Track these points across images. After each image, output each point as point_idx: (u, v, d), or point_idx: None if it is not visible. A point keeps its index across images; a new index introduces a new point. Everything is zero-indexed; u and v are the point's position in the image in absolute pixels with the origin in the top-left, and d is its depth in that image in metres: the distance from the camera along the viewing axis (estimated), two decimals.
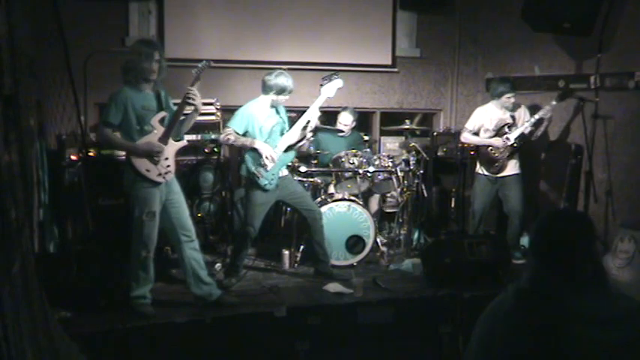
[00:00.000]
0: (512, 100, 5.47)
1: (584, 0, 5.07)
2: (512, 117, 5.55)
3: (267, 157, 4.65)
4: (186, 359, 4.05)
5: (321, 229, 5.01)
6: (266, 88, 4.73)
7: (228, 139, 4.69)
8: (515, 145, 5.44)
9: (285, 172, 4.93)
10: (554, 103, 5.37)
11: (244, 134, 4.72)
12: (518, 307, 1.89)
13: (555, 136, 5.85)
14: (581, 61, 5.54)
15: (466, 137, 5.66)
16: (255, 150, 4.68)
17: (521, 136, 5.44)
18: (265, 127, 4.74)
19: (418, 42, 6.99)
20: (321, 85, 4.93)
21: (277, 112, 4.85)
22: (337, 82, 4.91)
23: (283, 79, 4.68)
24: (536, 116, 5.39)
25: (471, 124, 5.64)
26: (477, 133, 5.62)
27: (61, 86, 5.03)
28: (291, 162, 5.16)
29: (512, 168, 5.52)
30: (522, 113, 5.60)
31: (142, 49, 4.01)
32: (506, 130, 5.46)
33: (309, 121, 4.87)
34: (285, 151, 4.81)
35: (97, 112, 5.92)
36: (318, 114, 4.90)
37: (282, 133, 4.83)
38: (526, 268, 2.03)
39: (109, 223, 5.02)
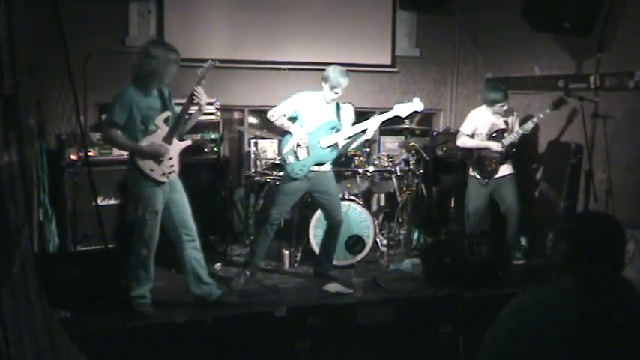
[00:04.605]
0: (505, 107, 5.42)
1: (584, 0, 5.08)
2: (506, 122, 5.49)
3: (298, 143, 4.64)
4: (186, 359, 4.05)
5: (337, 237, 4.98)
6: (323, 80, 4.67)
7: (278, 118, 4.70)
8: (508, 151, 5.39)
9: (327, 167, 4.86)
10: (547, 111, 5.26)
11: (292, 119, 4.73)
12: (573, 308, 1.91)
13: (555, 136, 5.85)
14: (581, 60, 5.53)
15: (463, 141, 5.56)
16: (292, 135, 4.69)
17: (513, 144, 5.39)
18: (313, 120, 4.71)
19: (418, 42, 6.99)
20: (396, 103, 4.84)
21: (338, 111, 4.81)
22: (415, 105, 4.79)
23: (336, 74, 4.60)
24: (529, 125, 5.30)
25: (467, 127, 5.55)
26: (471, 137, 5.58)
27: (61, 86, 5.04)
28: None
29: (505, 169, 5.47)
30: (514, 120, 5.56)
31: (170, 56, 3.98)
32: (504, 135, 5.41)
33: (366, 130, 4.77)
34: (328, 148, 4.76)
35: (97, 112, 5.91)
36: (378, 124, 4.81)
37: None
38: (560, 271, 2.05)
39: (109, 223, 5.01)
